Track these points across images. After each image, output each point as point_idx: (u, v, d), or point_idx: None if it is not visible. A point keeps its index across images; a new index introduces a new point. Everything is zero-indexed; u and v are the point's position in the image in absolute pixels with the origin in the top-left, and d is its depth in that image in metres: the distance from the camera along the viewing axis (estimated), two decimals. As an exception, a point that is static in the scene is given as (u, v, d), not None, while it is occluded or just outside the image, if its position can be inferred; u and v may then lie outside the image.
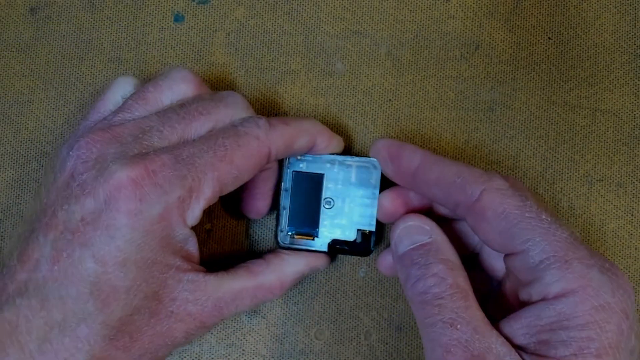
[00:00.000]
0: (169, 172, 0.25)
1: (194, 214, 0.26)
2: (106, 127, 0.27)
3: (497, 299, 0.28)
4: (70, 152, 0.26)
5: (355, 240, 0.30)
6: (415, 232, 0.27)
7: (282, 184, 0.31)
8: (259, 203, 0.31)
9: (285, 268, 0.30)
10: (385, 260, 0.30)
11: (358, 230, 0.30)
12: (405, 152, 0.28)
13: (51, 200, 0.26)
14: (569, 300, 0.23)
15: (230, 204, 0.33)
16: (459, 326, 0.23)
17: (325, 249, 0.31)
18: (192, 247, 0.27)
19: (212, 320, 0.27)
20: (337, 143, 0.31)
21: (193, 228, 0.27)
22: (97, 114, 0.29)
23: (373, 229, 0.30)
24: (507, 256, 0.26)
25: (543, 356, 0.23)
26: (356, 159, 0.30)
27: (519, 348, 0.24)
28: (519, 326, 0.24)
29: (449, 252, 0.26)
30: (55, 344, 0.24)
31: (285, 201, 0.31)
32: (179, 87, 0.29)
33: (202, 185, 0.26)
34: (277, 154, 0.28)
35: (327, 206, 0.31)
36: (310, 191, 0.31)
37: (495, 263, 0.29)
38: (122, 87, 0.30)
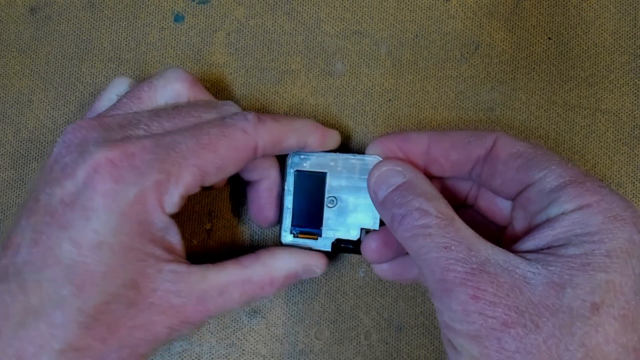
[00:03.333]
0: (147, 156, 0.25)
1: (172, 199, 0.25)
2: (95, 117, 0.27)
3: None
4: (57, 139, 0.26)
5: (359, 239, 0.30)
6: (390, 175, 0.27)
7: (285, 183, 0.31)
8: (267, 213, 0.31)
9: (276, 263, 0.29)
10: (369, 245, 0.29)
11: (362, 229, 0.30)
12: (411, 136, 0.29)
13: (35, 185, 0.26)
14: (584, 211, 0.24)
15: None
16: (453, 247, 0.24)
17: (329, 248, 0.30)
18: (174, 238, 0.26)
19: (197, 315, 0.26)
20: (332, 139, 0.31)
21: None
22: (93, 113, 0.29)
23: (377, 227, 0.30)
24: (518, 196, 0.27)
25: (552, 254, 0.23)
26: (359, 156, 0.30)
27: (526, 252, 0.24)
28: (531, 238, 0.24)
29: (426, 186, 0.27)
30: (31, 329, 0.23)
31: (288, 201, 0.31)
32: (173, 87, 0.28)
33: (181, 170, 0.25)
34: (264, 150, 0.28)
35: (330, 205, 0.30)
36: (313, 190, 0.31)
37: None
38: (117, 87, 0.30)
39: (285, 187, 0.31)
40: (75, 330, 0.24)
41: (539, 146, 0.27)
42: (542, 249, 0.24)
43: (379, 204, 0.27)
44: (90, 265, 0.24)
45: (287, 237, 0.31)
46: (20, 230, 0.25)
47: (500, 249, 0.24)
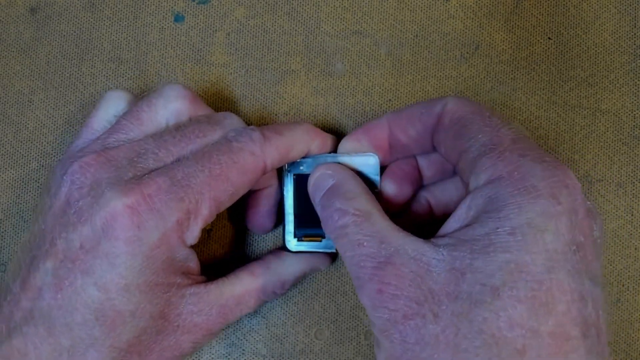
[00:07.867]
0: (165, 196, 0.25)
1: (193, 234, 0.26)
2: (100, 150, 0.26)
3: None
4: (64, 177, 0.26)
5: None
6: (322, 180, 0.28)
7: (284, 188, 0.31)
8: (264, 220, 0.31)
9: (286, 269, 0.30)
10: None
11: None
12: (371, 125, 0.29)
13: (49, 227, 0.26)
14: (494, 185, 0.22)
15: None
16: (365, 243, 0.24)
17: (334, 249, 0.30)
18: (193, 262, 0.27)
19: (218, 326, 0.27)
20: (331, 143, 0.31)
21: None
22: (90, 132, 0.29)
23: None
24: (457, 163, 0.26)
25: (458, 238, 0.22)
26: (353, 155, 0.30)
27: (443, 236, 0.23)
28: (451, 219, 0.24)
29: (350, 184, 0.27)
30: None
31: (289, 206, 0.31)
32: (173, 105, 0.28)
33: (199, 206, 0.26)
34: (272, 166, 0.28)
35: None
36: None
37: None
38: (115, 104, 0.29)
39: (285, 193, 0.31)
40: None
41: (482, 108, 0.25)
42: (457, 230, 0.23)
43: (316, 208, 0.28)
44: (118, 307, 0.24)
45: (292, 242, 0.31)
46: (40, 274, 0.25)
47: (415, 237, 0.23)
